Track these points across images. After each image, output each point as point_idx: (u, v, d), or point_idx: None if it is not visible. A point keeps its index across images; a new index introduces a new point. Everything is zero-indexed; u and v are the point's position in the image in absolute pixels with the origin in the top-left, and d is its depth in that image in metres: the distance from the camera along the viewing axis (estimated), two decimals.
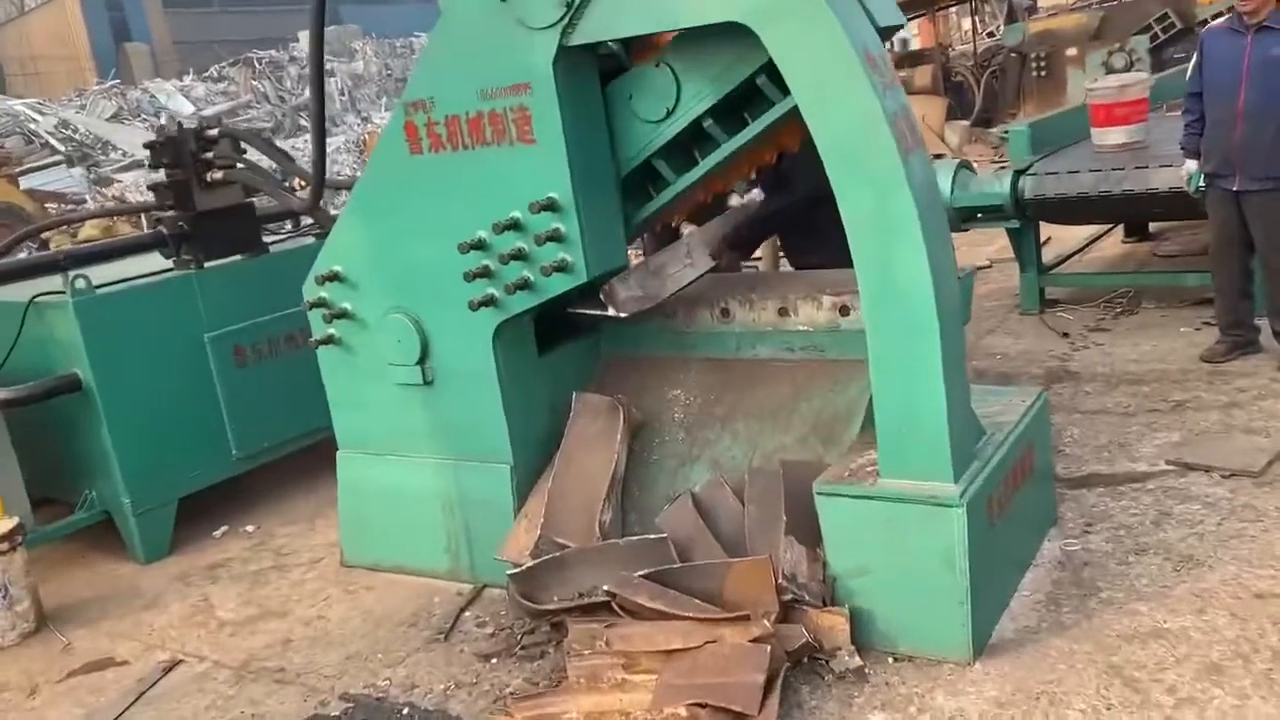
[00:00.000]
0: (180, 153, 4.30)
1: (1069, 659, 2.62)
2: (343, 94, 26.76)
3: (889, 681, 2.65)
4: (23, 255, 5.84)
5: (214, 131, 4.36)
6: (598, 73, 3.09)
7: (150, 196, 4.78)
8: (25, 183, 15.91)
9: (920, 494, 2.65)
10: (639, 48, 3.20)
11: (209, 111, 24.20)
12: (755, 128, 3.05)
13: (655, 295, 3.32)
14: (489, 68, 3.01)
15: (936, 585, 2.66)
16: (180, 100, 25.24)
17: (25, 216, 12.24)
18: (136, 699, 3.12)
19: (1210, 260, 4.66)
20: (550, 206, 2.98)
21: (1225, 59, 4.31)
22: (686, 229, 3.68)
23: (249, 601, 3.70)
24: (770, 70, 2.78)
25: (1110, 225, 6.79)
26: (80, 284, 3.96)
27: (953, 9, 18.76)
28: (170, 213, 4.35)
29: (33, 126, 22.33)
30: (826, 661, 2.73)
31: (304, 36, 29.89)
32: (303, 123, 24.91)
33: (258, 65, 27.53)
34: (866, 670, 2.70)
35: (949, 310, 2.62)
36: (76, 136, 22.16)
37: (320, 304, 3.58)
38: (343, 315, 3.55)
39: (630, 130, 3.14)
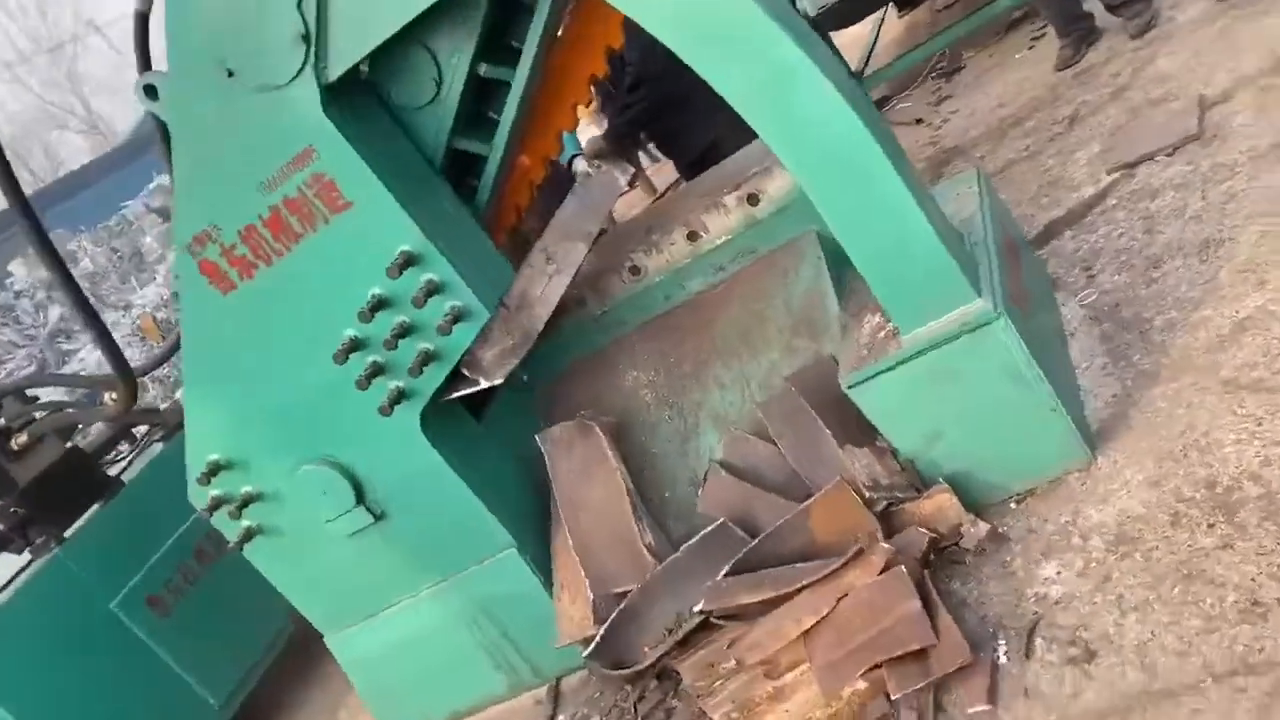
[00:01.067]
0: None
1: (1179, 400, 2.37)
2: (60, 320, 24.98)
3: (1030, 527, 2.35)
4: None
5: None
6: (372, 95, 2.62)
7: None
8: None
9: (954, 327, 2.33)
10: None
11: None
12: (531, 45, 2.58)
13: (530, 332, 2.75)
14: (255, 156, 2.50)
15: (1017, 405, 2.36)
16: None
17: None
18: None
19: None
20: (409, 261, 2.52)
21: None
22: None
23: None
24: None
25: (881, 8, 6.63)
26: None
27: None
28: None
29: None
30: (957, 545, 2.42)
31: (16, 266, 27.86)
32: (66, 347, 23.20)
33: None
34: (1000, 529, 2.39)
35: (878, 128, 2.28)
36: None
37: (217, 504, 3.02)
38: (248, 502, 3.00)
39: (413, 126, 2.64)
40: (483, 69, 2.59)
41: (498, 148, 2.71)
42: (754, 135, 2.32)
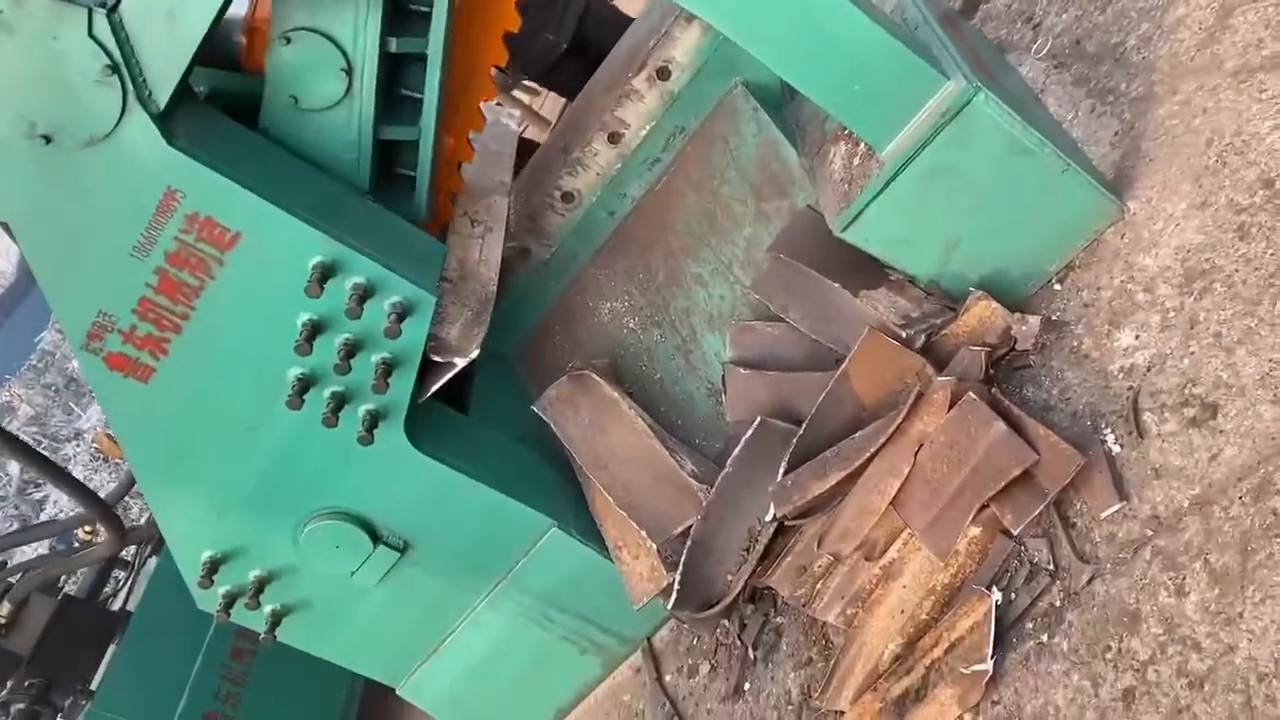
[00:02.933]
0: None
1: (1191, 109, 2.13)
2: (39, 443, 24.29)
3: (1084, 301, 2.12)
4: None
5: None
6: (218, 107, 2.28)
7: None
8: None
9: (934, 120, 2.06)
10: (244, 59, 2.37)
11: None
12: (440, 27, 2.25)
13: (485, 297, 2.49)
14: (114, 220, 2.16)
15: (1025, 178, 2.11)
16: None
17: None
18: None
19: None
20: (326, 272, 2.20)
21: None
22: None
23: None
24: None
25: None
26: None
27: None
28: (9, 686, 3.38)
29: None
30: (1014, 350, 2.19)
31: None
32: (38, 495, 22.60)
33: None
34: (1053, 316, 2.16)
35: None
36: None
37: (230, 600, 2.74)
38: (262, 586, 2.72)
39: (328, 130, 2.33)
40: (393, 44, 2.24)
41: (426, 129, 2.37)
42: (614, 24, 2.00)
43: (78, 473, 17.67)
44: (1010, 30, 2.85)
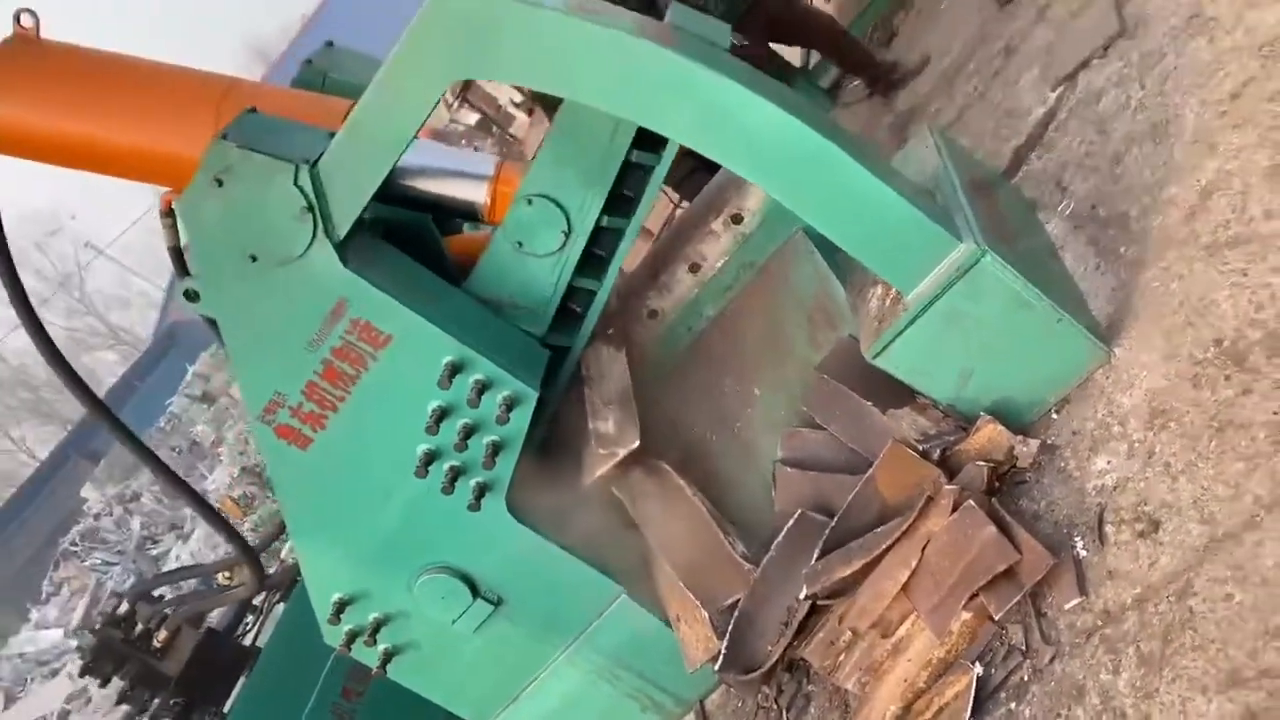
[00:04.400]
0: (116, 651, 3.92)
1: (1170, 275, 2.55)
2: (160, 501, 25.77)
3: (1074, 430, 2.53)
4: None
5: (125, 608, 3.99)
6: (380, 234, 2.90)
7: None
8: None
9: (948, 275, 2.53)
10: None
11: (75, 621, 23.01)
12: (647, 199, 2.93)
13: (624, 389, 3.05)
14: (296, 321, 2.78)
15: (1026, 325, 2.55)
16: (44, 635, 23.93)
17: None
18: None
19: None
20: (454, 369, 2.77)
21: None
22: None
23: None
24: (639, 141, 2.74)
25: None
26: None
27: None
28: (155, 702, 3.96)
29: None
30: (1015, 466, 2.60)
31: (87, 491, 28.79)
32: (154, 552, 23.91)
33: (76, 547, 26.26)
34: (1048, 440, 2.57)
35: (818, 121, 2.51)
36: None
37: (352, 638, 3.27)
38: (379, 627, 3.25)
39: (535, 272, 2.94)
40: (604, 220, 2.90)
41: (607, 284, 3.02)
42: None
43: (201, 531, 18.72)
44: (1044, 190, 3.31)
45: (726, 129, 2.44)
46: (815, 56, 5.94)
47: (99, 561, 25.03)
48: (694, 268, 3.21)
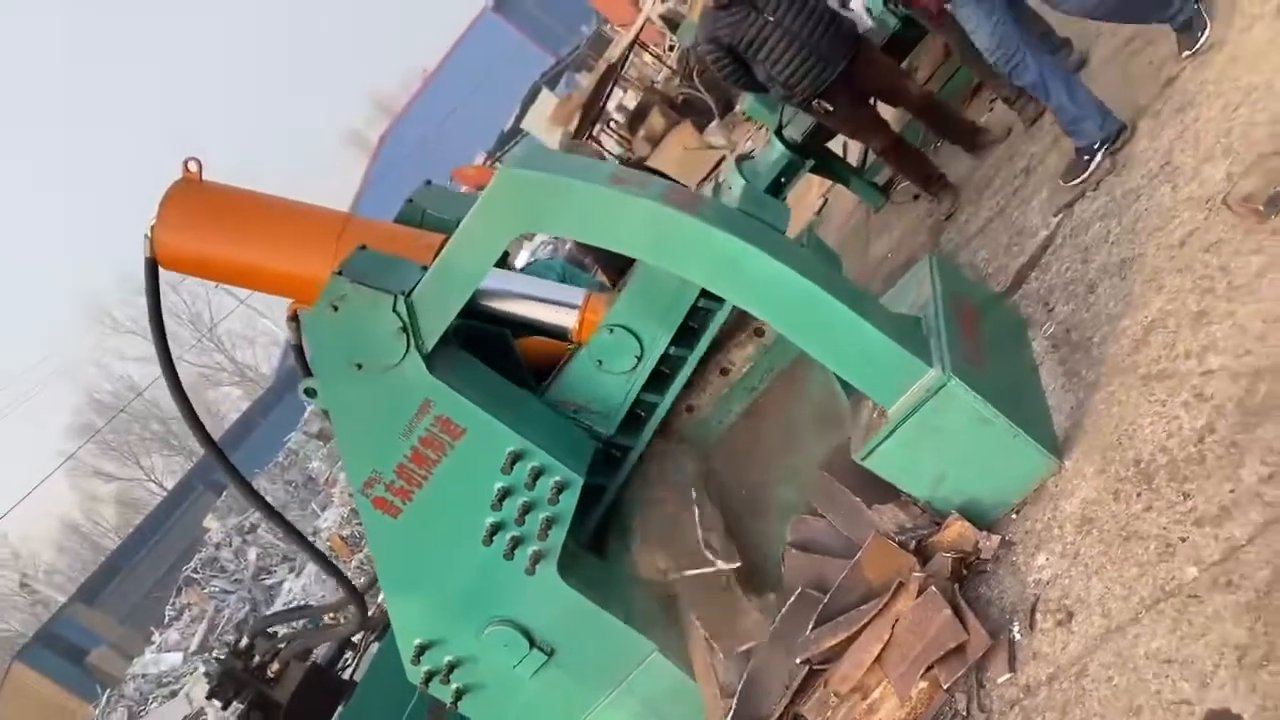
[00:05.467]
0: (236, 678, 4.62)
1: (1115, 401, 3.00)
2: (276, 534, 27.17)
3: (1026, 529, 3.00)
4: None
5: (245, 641, 4.70)
6: (460, 345, 3.54)
7: None
8: None
9: (919, 396, 3.04)
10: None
11: (194, 645, 24.37)
12: (709, 334, 3.57)
13: (717, 516, 3.62)
14: (392, 415, 3.43)
15: (989, 439, 3.04)
16: (166, 658, 25.30)
17: None
18: None
19: (963, 58, 5.28)
20: (516, 457, 3.38)
21: None
22: None
23: None
24: (705, 291, 3.34)
25: None
26: None
27: (630, 62, 20.01)
28: None
29: None
30: (978, 558, 3.07)
31: (209, 522, 30.49)
32: (268, 582, 25.20)
33: (197, 575, 27.74)
34: (1006, 537, 3.04)
35: (810, 268, 3.06)
36: None
37: (430, 677, 3.88)
38: (452, 669, 3.85)
39: (610, 385, 3.58)
40: (671, 350, 3.54)
41: (668, 399, 3.66)
42: None
43: (312, 568, 19.73)
44: (1035, 310, 3.78)
45: (735, 278, 3.02)
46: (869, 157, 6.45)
47: (217, 589, 26.48)
48: (724, 371, 3.77)
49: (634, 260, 3.65)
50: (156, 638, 27.14)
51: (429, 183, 4.09)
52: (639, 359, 3.52)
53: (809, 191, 7.92)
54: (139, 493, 53.33)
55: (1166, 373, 2.87)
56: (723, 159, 11.83)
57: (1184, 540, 2.43)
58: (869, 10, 5.01)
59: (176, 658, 25.01)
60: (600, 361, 3.55)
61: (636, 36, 18.37)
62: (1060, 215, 4.06)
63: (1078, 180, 4.06)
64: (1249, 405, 2.52)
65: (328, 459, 27.81)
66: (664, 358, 3.57)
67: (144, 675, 25.76)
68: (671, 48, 19.25)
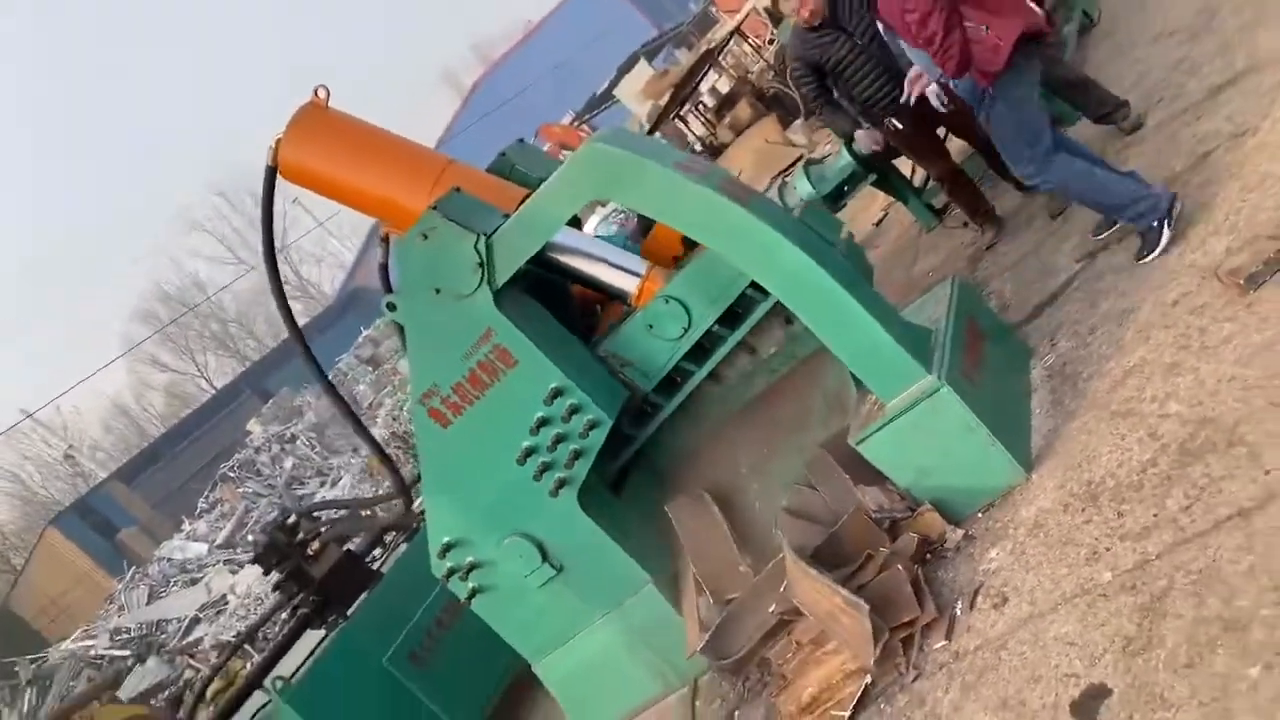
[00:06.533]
0: (280, 550, 5.19)
1: (1085, 429, 3.40)
2: (314, 447, 28.12)
3: (987, 528, 3.41)
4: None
5: (291, 519, 5.26)
6: (525, 289, 4.02)
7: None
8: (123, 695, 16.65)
9: (915, 396, 3.47)
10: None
11: (220, 539, 25.37)
12: (751, 321, 4.01)
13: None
14: (458, 338, 3.92)
15: (970, 445, 3.46)
16: (192, 546, 26.26)
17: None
18: None
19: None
20: (558, 393, 3.86)
21: None
22: None
23: None
24: (754, 284, 3.76)
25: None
26: (279, 684, 4.78)
27: (730, 45, 20.33)
28: (300, 595, 5.21)
29: (93, 653, 23.02)
30: (942, 545, 3.50)
31: (252, 425, 31.51)
32: (300, 492, 26.10)
33: (234, 475, 28.74)
34: (969, 534, 3.46)
35: (838, 270, 3.48)
36: (132, 636, 22.88)
37: (452, 572, 4.39)
38: (472, 569, 4.35)
39: (656, 348, 4.03)
40: (715, 328, 3.97)
41: (703, 371, 4.10)
42: None
43: (347, 480, 20.54)
44: (1041, 342, 4.17)
45: (769, 265, 3.46)
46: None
47: (250, 491, 27.47)
48: (752, 350, 4.21)
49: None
50: (186, 526, 28.18)
51: (521, 141, 4.57)
52: (686, 330, 3.97)
53: (873, 203, 8.28)
54: (189, 387, 54.98)
55: (1133, 411, 3.26)
56: (800, 158, 12.16)
57: (1108, 550, 2.84)
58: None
59: (202, 548, 25.92)
60: (651, 326, 3.99)
61: (740, 25, 18.67)
62: (1084, 262, 4.43)
63: (1150, 256, 4.00)
64: (1189, 448, 2.92)
65: (375, 384, 28.63)
66: (707, 334, 4.01)
67: (169, 559, 26.70)
68: (771, 41, 19.53)
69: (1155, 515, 2.81)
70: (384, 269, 4.00)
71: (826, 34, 5.52)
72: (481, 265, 3.77)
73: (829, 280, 3.42)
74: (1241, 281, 3.26)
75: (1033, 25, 4.19)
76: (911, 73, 4.72)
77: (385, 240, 4.41)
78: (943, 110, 4.98)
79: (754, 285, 3.83)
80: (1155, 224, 3.99)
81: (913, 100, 4.78)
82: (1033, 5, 4.43)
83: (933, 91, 4.73)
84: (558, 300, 4.24)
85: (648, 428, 4.27)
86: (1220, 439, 2.84)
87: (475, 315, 3.87)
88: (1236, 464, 2.71)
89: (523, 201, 3.94)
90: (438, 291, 3.87)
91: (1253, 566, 2.41)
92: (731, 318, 4.00)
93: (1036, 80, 4.28)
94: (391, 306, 4.03)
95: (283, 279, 4.93)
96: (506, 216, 3.85)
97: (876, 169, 6.35)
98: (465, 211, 3.84)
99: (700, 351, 4.08)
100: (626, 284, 4.17)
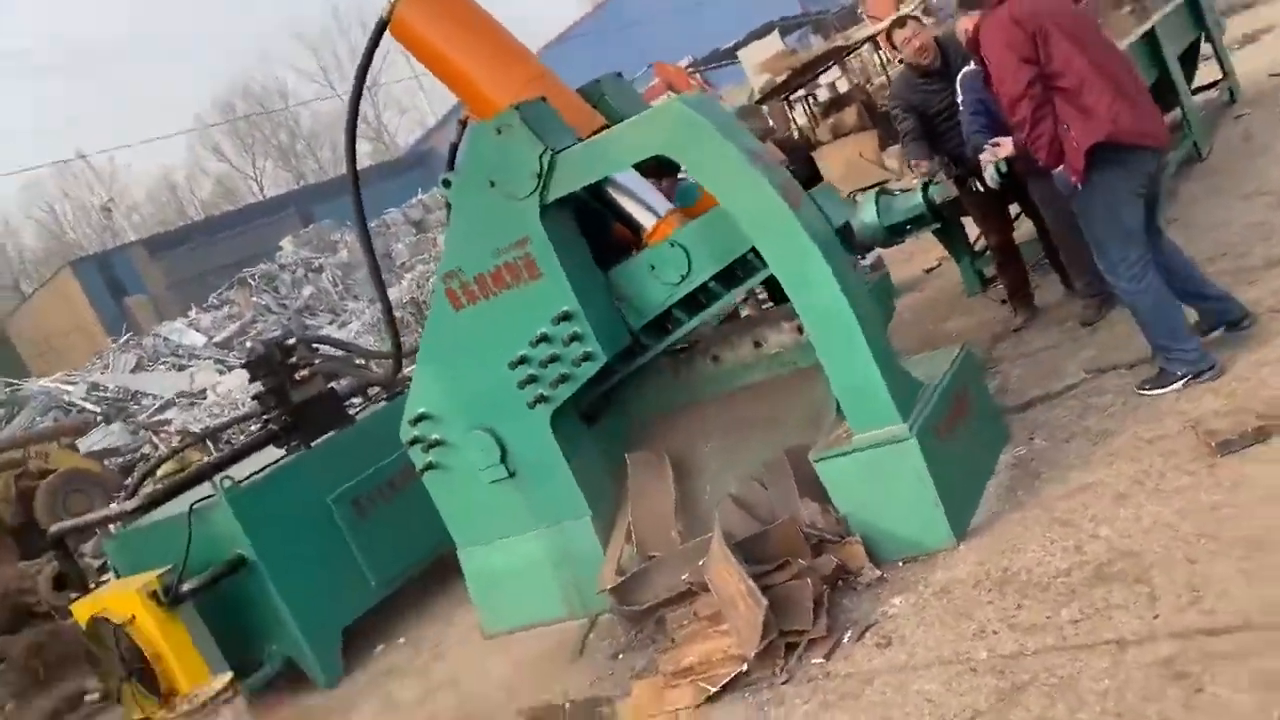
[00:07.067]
0: (271, 365, 5.43)
1: (1024, 523, 3.58)
2: (336, 285, 28.49)
3: (902, 577, 3.61)
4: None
5: (291, 341, 5.50)
6: (571, 213, 4.19)
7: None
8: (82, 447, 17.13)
9: (882, 437, 3.65)
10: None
11: (219, 338, 25.85)
12: (747, 285, 4.13)
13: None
14: (496, 233, 4.11)
15: (915, 498, 3.64)
16: (191, 334, 26.77)
17: (96, 479, 13.27)
18: None
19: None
20: (566, 317, 4.06)
21: None
22: None
23: (422, 685, 4.68)
24: (755, 251, 3.86)
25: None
26: (227, 484, 5.05)
27: (862, 50, 20.15)
28: (275, 411, 5.46)
29: (66, 398, 23.59)
30: (856, 577, 3.70)
31: (285, 242, 31.91)
32: (309, 322, 26.51)
33: (253, 283, 29.16)
34: (884, 576, 3.65)
35: (861, 304, 3.65)
36: (108, 395, 23.41)
37: (416, 441, 4.63)
38: (435, 445, 4.59)
39: (653, 289, 4.14)
40: (711, 283, 4.09)
41: (693, 322, 4.21)
42: None
43: (354, 325, 20.90)
44: (1022, 433, 4.33)
45: (796, 271, 3.64)
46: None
47: (263, 303, 27.93)
48: (756, 343, 4.38)
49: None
50: (192, 314, 28.69)
51: (619, 75, 4.70)
52: (684, 277, 4.06)
53: (933, 250, 8.36)
54: (240, 185, 55.52)
55: (1071, 523, 3.44)
56: (884, 182, 12.19)
57: (995, 633, 3.04)
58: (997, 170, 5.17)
59: (200, 339, 26.38)
60: (654, 267, 4.13)
61: (878, 33, 18.51)
62: (1089, 376, 4.57)
63: (1152, 392, 4.05)
64: (1103, 571, 3.09)
65: (413, 248, 28.88)
66: (703, 288, 4.10)
67: (165, 338, 27.20)
68: (901, 61, 19.32)
69: (1048, 618, 2.99)
70: (454, 148, 4.18)
71: (934, 83, 5.62)
72: (539, 176, 3.94)
73: (847, 308, 3.58)
74: (1214, 444, 3.41)
75: (1128, 133, 3.95)
76: (990, 141, 4.83)
77: (463, 123, 4.58)
78: (981, 189, 5.11)
79: (754, 252, 3.91)
80: (1179, 374, 4.04)
81: (984, 165, 4.90)
82: (1152, 110, 4.20)
83: (990, 170, 4.84)
84: (598, 232, 4.40)
85: (631, 365, 4.41)
86: (1131, 573, 3.01)
87: (518, 219, 4.05)
88: (1134, 599, 2.89)
89: (596, 131, 4.10)
90: (493, 185, 4.05)
91: (1107, 691, 2.59)
92: (729, 278, 4.09)
93: (1133, 188, 4.05)
94: (447, 183, 4.22)
95: (361, 115, 5.11)
96: (579, 140, 4.02)
97: (943, 219, 6.47)
98: (542, 121, 4.00)
99: (695, 304, 4.20)
100: (645, 219, 4.26)
